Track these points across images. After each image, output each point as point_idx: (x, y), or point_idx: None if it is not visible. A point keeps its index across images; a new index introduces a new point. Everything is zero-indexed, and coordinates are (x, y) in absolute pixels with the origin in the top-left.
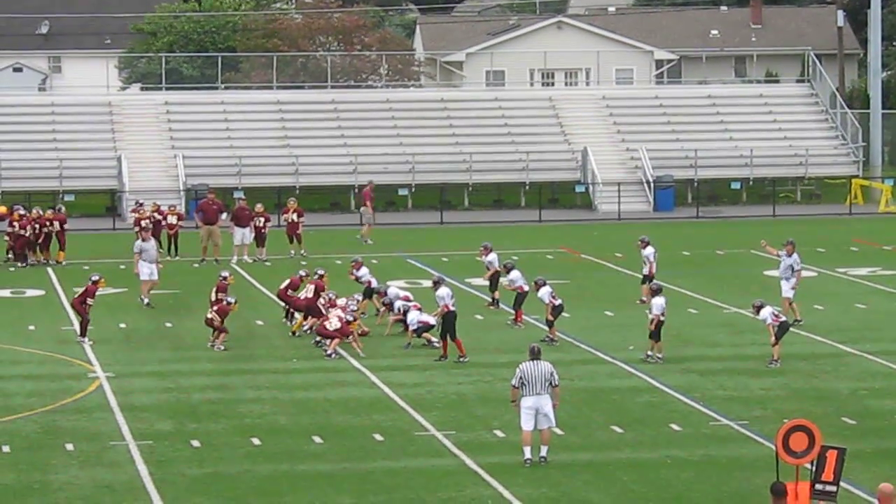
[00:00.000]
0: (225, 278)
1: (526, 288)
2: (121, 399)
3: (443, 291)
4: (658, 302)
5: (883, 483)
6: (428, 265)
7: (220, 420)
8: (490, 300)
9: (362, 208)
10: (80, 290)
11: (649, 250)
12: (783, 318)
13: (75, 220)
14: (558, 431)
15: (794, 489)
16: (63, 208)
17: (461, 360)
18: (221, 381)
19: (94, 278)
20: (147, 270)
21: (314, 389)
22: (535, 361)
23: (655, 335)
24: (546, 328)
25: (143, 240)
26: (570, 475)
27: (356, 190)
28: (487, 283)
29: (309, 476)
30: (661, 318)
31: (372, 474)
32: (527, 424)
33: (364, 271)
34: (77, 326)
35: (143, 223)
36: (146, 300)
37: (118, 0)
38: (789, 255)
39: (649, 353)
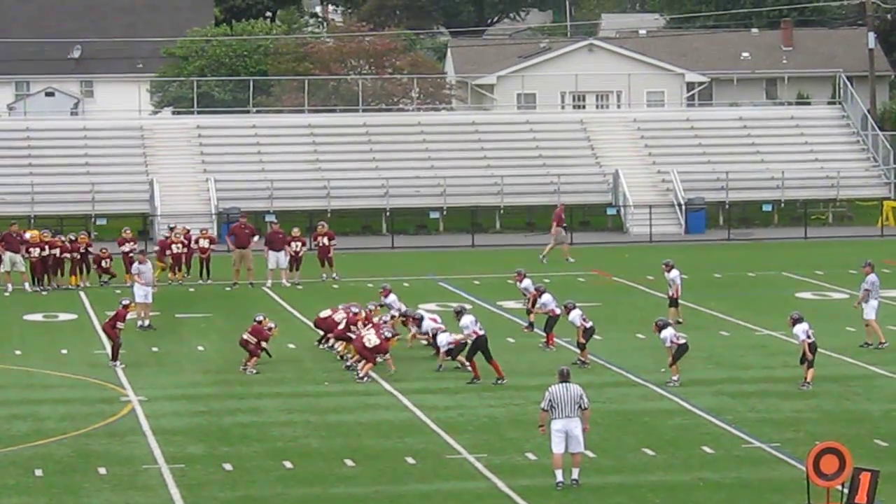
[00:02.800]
0: (270, 329)
1: (558, 311)
2: (153, 423)
3: (466, 321)
4: (665, 335)
5: None
6: (459, 288)
7: (251, 443)
8: (527, 324)
9: (554, 229)
10: (111, 314)
11: (674, 273)
12: (813, 340)
13: (107, 243)
14: (590, 454)
15: None
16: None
17: (499, 381)
18: (253, 405)
19: (124, 302)
20: (142, 293)
21: (346, 412)
22: (564, 384)
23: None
24: (577, 351)
25: (140, 262)
26: (602, 498)
27: (387, 213)
28: (525, 306)
29: (341, 499)
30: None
31: (404, 497)
32: (557, 447)
33: (392, 298)
34: (109, 350)
35: (173, 247)
36: (147, 322)
37: (150, 24)
38: (866, 277)
39: (674, 377)
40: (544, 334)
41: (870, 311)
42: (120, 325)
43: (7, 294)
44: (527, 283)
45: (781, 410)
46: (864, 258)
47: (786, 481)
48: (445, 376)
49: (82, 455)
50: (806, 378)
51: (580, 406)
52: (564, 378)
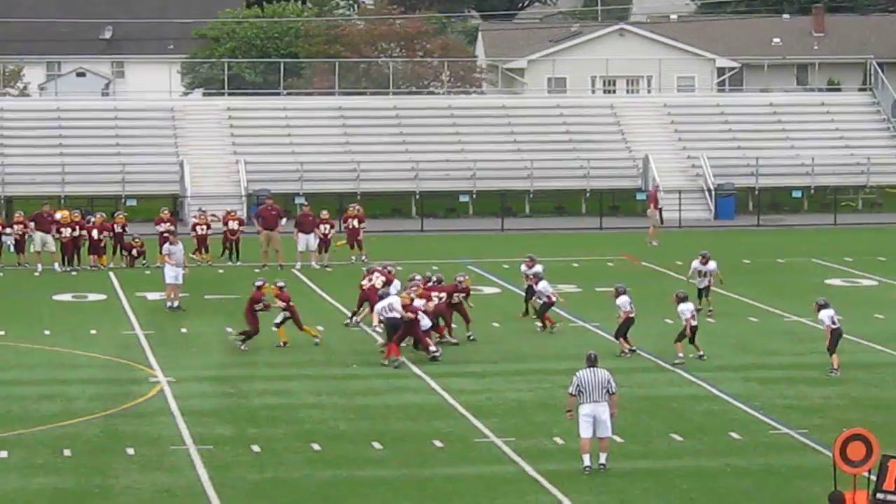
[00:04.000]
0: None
1: (554, 298)
2: (181, 403)
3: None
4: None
5: None
6: (489, 272)
7: (279, 425)
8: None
9: (649, 211)
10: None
11: (712, 265)
12: (837, 326)
13: (137, 224)
14: (617, 439)
15: (852, 498)
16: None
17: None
18: (281, 386)
19: (257, 283)
20: (172, 274)
21: (374, 395)
22: (592, 369)
23: (681, 336)
24: (610, 337)
25: (172, 243)
26: (629, 483)
27: (417, 196)
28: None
29: (368, 482)
30: (693, 323)
31: (431, 481)
32: (585, 432)
33: (538, 268)
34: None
35: (198, 229)
36: (176, 303)
37: (181, 6)
38: None
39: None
40: (540, 322)
41: None
42: (257, 306)
43: (37, 274)
44: (538, 268)
45: (809, 397)
46: (893, 245)
47: (813, 468)
48: (474, 359)
49: (111, 435)
50: (833, 365)
51: (608, 391)
52: (592, 363)
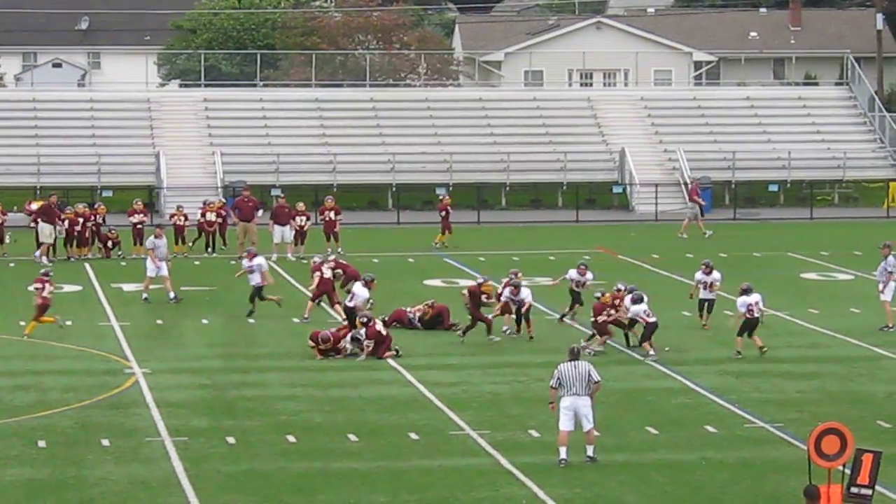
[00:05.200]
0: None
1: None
2: (157, 395)
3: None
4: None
5: None
6: (465, 265)
7: (255, 417)
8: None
9: (689, 203)
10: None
11: (716, 275)
12: (756, 316)
13: (112, 215)
14: (594, 432)
15: (827, 492)
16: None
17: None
18: (257, 378)
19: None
20: (153, 267)
21: (349, 387)
22: (573, 362)
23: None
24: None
25: (157, 237)
26: (604, 476)
27: (393, 189)
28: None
29: (343, 474)
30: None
31: (406, 473)
32: (565, 425)
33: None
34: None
35: (174, 220)
36: (172, 294)
37: None
38: (885, 259)
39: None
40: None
41: (889, 293)
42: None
43: (49, 263)
44: (589, 276)
45: (785, 391)
46: (869, 239)
47: (788, 461)
48: (451, 352)
49: (85, 427)
50: (737, 347)
51: (590, 382)
52: (574, 356)
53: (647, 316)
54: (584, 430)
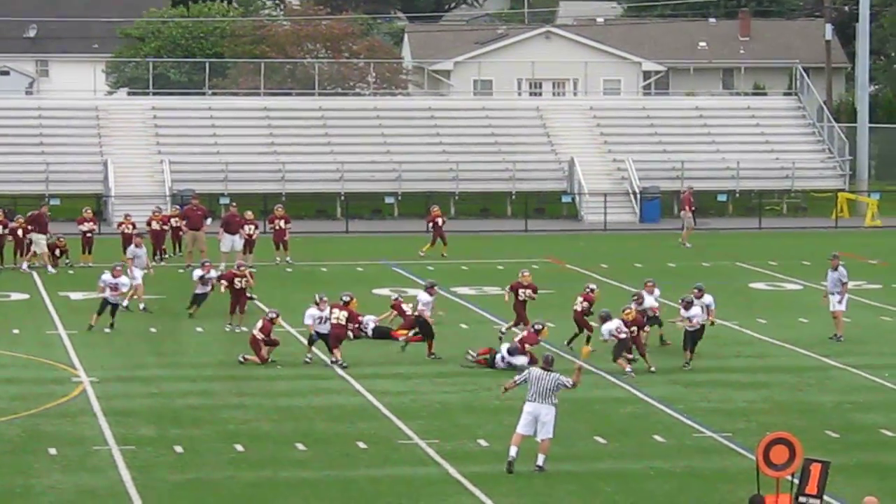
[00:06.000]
0: (272, 319)
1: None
2: (104, 404)
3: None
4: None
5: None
6: (413, 273)
7: (203, 426)
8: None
9: (682, 213)
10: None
11: (707, 299)
12: (623, 336)
13: (60, 224)
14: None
15: (775, 501)
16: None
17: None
18: (205, 387)
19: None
20: (138, 275)
21: (298, 396)
22: (545, 371)
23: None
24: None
25: (137, 246)
26: (552, 485)
27: (342, 197)
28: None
29: (292, 483)
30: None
31: (355, 482)
32: (523, 428)
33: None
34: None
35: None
36: (142, 305)
37: (106, 5)
38: (835, 270)
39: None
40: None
41: (844, 303)
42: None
43: (53, 271)
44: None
45: (734, 400)
46: (817, 249)
47: (736, 471)
48: (399, 360)
49: (33, 435)
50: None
51: (556, 391)
52: (548, 364)
53: (619, 333)
54: (539, 438)
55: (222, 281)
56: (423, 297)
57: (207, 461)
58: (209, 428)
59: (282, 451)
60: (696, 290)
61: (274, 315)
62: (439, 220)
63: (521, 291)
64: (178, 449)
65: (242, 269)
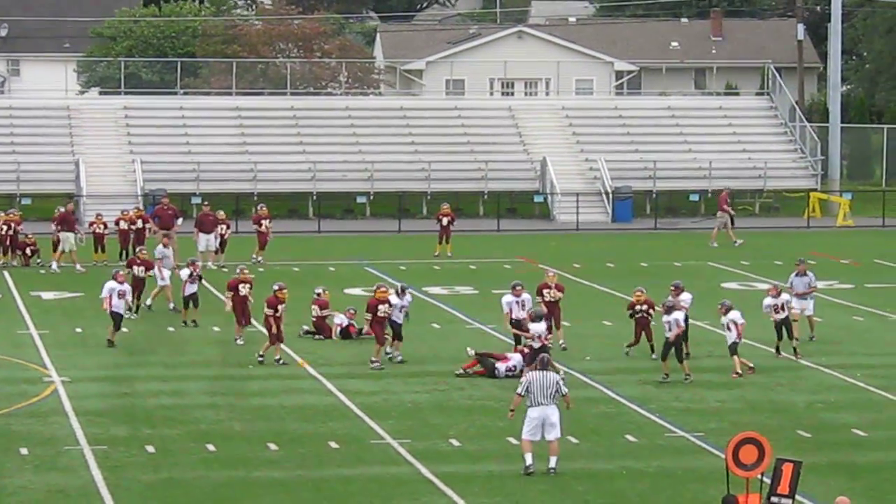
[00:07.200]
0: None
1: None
2: (76, 403)
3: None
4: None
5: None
6: (386, 273)
7: (174, 426)
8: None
9: (719, 213)
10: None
11: (734, 314)
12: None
13: (32, 223)
14: (513, 441)
15: (745, 501)
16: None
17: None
18: (177, 387)
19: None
20: (161, 277)
21: (270, 396)
22: (543, 372)
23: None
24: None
25: (165, 246)
26: (524, 485)
27: (314, 197)
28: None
29: (264, 483)
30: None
31: (327, 482)
32: (529, 434)
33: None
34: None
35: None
36: (149, 303)
37: (78, 4)
38: (804, 275)
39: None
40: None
41: (809, 306)
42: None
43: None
44: (733, 314)
45: (706, 400)
46: (789, 249)
47: (708, 471)
48: (370, 360)
49: (4, 435)
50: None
51: (558, 392)
52: (544, 366)
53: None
54: (548, 439)
55: (228, 292)
56: (394, 299)
57: (179, 461)
58: (181, 428)
59: (254, 451)
60: (673, 288)
61: (277, 288)
62: (444, 220)
63: (545, 292)
64: (150, 449)
65: (245, 273)
